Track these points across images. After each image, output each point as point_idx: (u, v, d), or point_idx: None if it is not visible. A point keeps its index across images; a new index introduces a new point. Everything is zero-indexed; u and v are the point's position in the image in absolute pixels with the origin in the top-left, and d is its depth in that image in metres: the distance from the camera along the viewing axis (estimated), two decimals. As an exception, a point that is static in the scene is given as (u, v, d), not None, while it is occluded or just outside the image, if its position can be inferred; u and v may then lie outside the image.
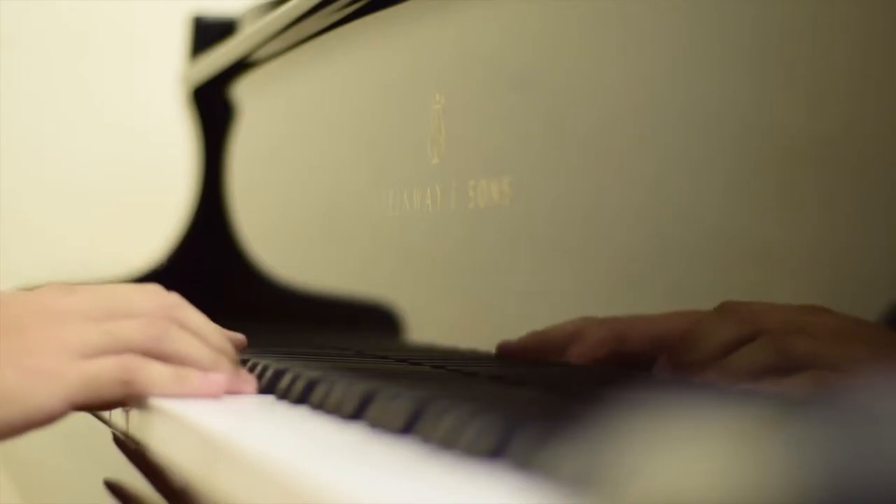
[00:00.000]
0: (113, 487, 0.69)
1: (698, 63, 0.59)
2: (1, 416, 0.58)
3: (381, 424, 0.51)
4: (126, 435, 0.70)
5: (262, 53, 1.15)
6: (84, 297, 0.63)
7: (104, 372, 0.60)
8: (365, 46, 0.95)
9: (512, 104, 0.74)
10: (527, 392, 0.64)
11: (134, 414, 0.66)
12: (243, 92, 1.24)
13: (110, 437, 0.73)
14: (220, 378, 0.62)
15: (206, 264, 1.28)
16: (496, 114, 0.75)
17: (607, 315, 0.64)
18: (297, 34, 1.06)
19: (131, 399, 0.62)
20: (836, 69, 0.52)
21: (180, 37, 1.38)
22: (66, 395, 0.59)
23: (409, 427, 0.48)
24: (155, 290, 0.65)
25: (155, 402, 0.62)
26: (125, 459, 0.67)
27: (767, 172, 0.55)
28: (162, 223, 1.39)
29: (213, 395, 0.62)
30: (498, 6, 0.76)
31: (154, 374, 0.60)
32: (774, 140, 0.55)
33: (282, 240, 1.14)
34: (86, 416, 0.80)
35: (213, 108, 1.30)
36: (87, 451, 0.80)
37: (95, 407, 0.62)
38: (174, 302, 0.64)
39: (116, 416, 0.73)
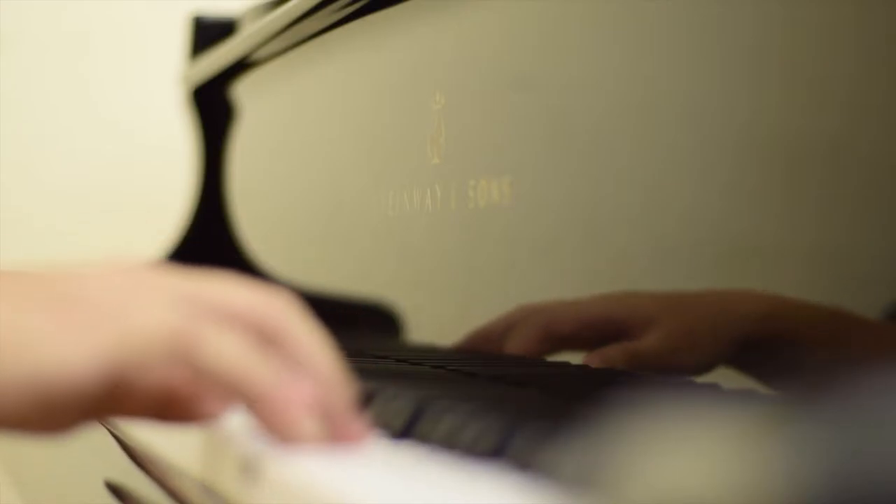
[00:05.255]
0: (113, 488, 0.69)
1: (699, 63, 0.59)
2: (9, 367, 0.43)
3: (381, 424, 0.51)
4: (125, 434, 0.70)
5: (262, 53, 1.15)
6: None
7: (152, 329, 0.45)
8: (365, 46, 0.95)
9: (512, 104, 0.74)
10: (527, 392, 0.64)
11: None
12: (243, 92, 1.24)
13: (111, 436, 0.73)
14: (299, 397, 0.47)
15: (206, 264, 1.28)
16: (496, 114, 0.75)
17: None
18: (297, 34, 1.06)
19: (190, 379, 0.48)
20: (836, 69, 0.52)
21: (180, 37, 1.38)
22: (95, 347, 0.44)
23: (409, 427, 0.48)
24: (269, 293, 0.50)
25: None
26: (125, 457, 0.67)
27: (768, 173, 0.55)
28: (162, 223, 1.39)
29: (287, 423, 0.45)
30: (498, 6, 0.76)
31: (222, 347, 0.45)
32: (775, 140, 0.55)
33: (282, 240, 1.14)
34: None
35: (213, 108, 1.29)
36: (88, 451, 0.79)
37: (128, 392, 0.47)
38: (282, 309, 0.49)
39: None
